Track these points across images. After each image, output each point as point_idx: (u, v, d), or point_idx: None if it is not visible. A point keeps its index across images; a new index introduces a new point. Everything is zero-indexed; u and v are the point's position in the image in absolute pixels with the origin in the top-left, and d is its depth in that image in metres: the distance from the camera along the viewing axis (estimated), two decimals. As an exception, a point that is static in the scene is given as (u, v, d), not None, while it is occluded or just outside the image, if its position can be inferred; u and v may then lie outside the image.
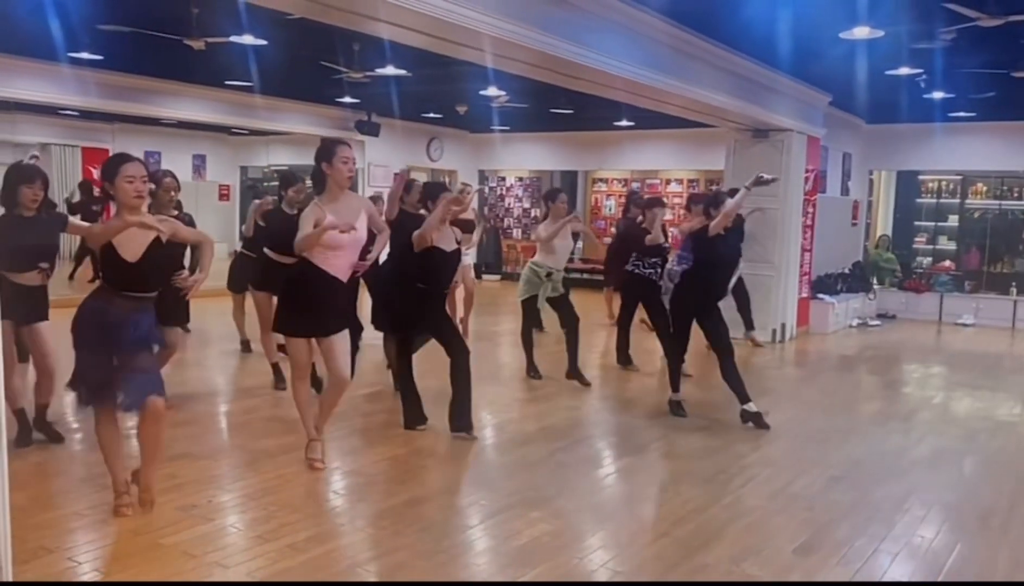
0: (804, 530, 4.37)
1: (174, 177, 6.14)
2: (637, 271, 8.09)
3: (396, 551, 3.89)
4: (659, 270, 8.05)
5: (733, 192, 8.04)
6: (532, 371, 7.90)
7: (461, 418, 5.77)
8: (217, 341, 9.43)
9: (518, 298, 7.72)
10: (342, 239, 4.64)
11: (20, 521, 3.97)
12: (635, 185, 17.48)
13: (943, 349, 11.33)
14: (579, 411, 6.93)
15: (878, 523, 4.51)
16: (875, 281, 13.85)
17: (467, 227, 10.24)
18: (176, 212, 6.13)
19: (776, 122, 9.94)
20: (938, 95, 10.76)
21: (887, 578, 3.86)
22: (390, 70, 10.18)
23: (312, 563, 3.72)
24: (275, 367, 7.13)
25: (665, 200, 8.99)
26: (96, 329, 4.02)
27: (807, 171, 10.95)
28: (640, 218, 8.32)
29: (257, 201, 7.42)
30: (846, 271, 13.00)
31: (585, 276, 15.90)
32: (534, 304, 7.64)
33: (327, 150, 4.83)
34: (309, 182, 5.57)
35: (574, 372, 7.68)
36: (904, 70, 9.27)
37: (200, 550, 3.80)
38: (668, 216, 10.66)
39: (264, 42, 8.64)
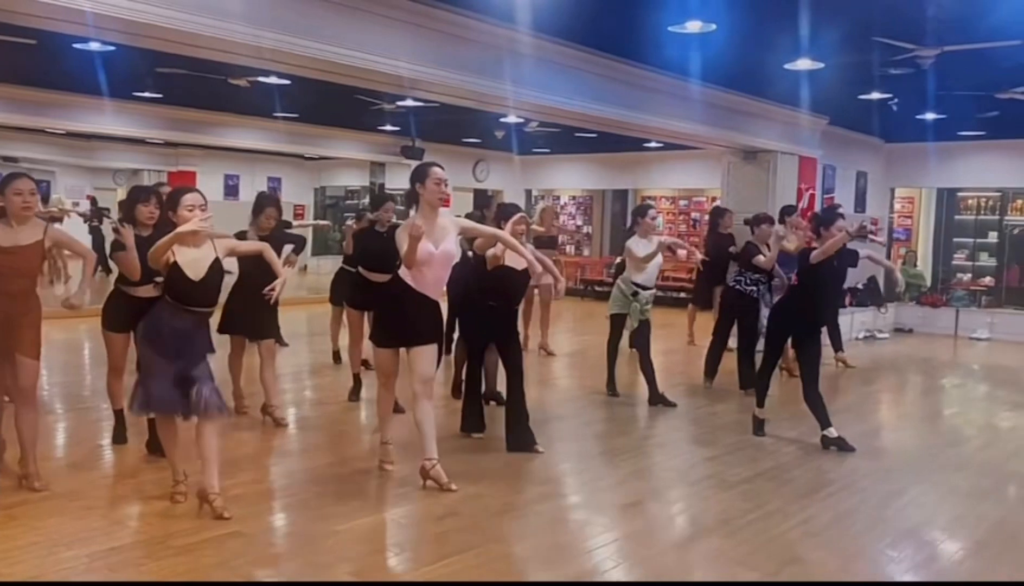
0: (639, 493, 5.25)
1: (276, 206, 6.66)
2: (739, 287, 8.22)
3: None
4: (760, 287, 8.18)
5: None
6: (610, 388, 7.95)
7: (518, 438, 5.98)
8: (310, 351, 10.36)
9: (608, 312, 7.84)
10: (432, 252, 4.93)
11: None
12: (682, 203, 18.28)
13: (932, 361, 11.53)
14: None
15: (712, 488, 5.35)
16: (905, 296, 14.21)
17: (550, 244, 10.87)
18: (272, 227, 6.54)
19: (759, 144, 10.64)
20: (930, 116, 11.24)
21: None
22: (410, 102, 11.37)
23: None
24: (356, 377, 7.50)
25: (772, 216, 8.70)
26: (164, 337, 4.50)
27: (803, 190, 11.54)
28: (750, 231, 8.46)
29: (350, 222, 8.06)
30: (859, 286, 13.40)
31: (671, 294, 15.54)
32: (621, 322, 7.67)
33: (421, 172, 5.09)
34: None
35: (656, 398, 7.61)
36: (875, 95, 9.87)
37: (152, 489, 4.93)
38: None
39: (287, 82, 9.92)
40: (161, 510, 4.62)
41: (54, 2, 4.65)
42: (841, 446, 6.32)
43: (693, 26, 6.80)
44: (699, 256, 8.89)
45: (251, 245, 5.25)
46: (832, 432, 6.38)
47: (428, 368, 5.11)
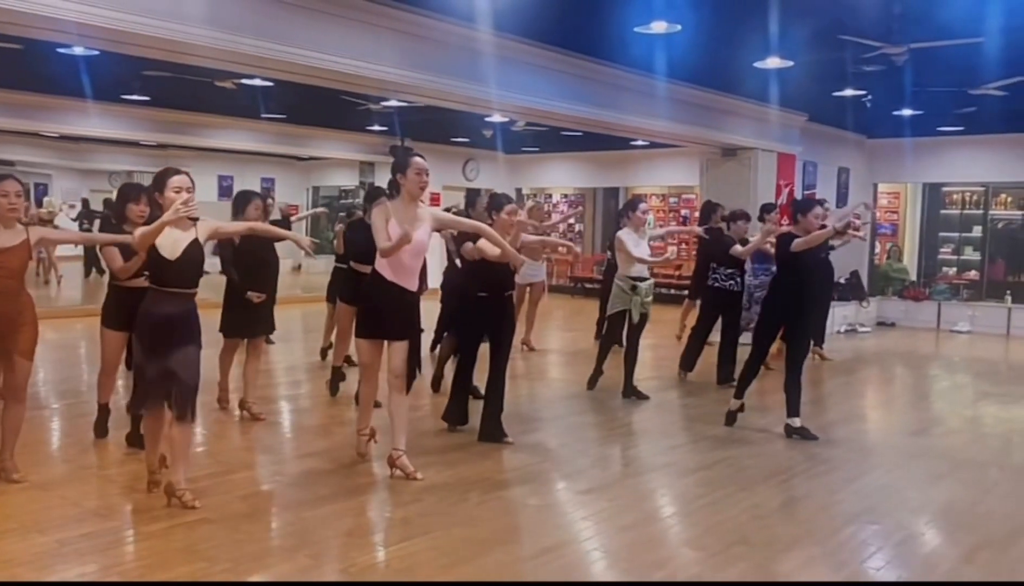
0: (599, 480, 5.43)
1: (262, 199, 6.87)
2: (716, 283, 8.40)
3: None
4: (737, 281, 8.35)
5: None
6: (591, 383, 8.04)
7: (489, 429, 6.09)
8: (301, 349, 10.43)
9: (608, 312, 7.84)
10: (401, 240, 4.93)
11: None
12: (672, 200, 18.42)
13: (912, 354, 11.73)
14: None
15: (671, 474, 5.51)
16: (888, 291, 14.39)
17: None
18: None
19: (737, 141, 10.81)
20: (907, 112, 11.41)
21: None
22: (395, 103, 11.54)
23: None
24: (336, 370, 7.61)
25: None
26: (149, 326, 4.57)
27: (781, 186, 11.71)
28: (724, 228, 8.65)
29: (340, 225, 8.28)
30: (841, 280, 13.55)
31: (661, 290, 14.88)
32: (620, 319, 7.63)
33: (402, 162, 5.18)
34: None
35: (629, 390, 7.73)
36: (849, 92, 10.03)
37: (128, 480, 5.11)
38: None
39: (271, 84, 10.09)
40: (135, 499, 4.80)
41: (27, 9, 4.80)
42: (804, 435, 6.46)
43: (659, 27, 6.98)
44: (699, 230, 9.11)
45: (237, 225, 5.34)
46: (796, 422, 6.52)
47: (401, 363, 5.23)
